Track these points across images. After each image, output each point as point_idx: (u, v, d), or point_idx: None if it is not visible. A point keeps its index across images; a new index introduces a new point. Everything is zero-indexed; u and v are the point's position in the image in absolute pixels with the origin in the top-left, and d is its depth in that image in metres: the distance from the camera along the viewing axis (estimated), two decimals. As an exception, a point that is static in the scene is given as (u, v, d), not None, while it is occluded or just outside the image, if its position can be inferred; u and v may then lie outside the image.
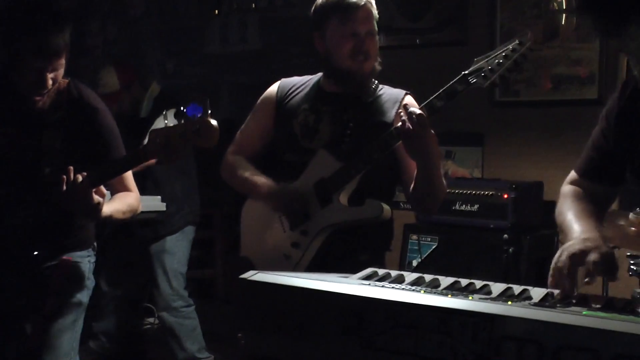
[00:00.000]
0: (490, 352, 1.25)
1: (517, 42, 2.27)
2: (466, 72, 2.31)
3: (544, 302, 1.47)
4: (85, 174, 2.30)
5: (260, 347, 1.48)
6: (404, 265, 4.13)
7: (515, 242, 3.67)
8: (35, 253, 2.53)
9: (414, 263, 4.09)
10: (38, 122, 2.49)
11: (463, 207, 3.97)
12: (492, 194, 3.86)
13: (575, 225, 1.78)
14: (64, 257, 2.57)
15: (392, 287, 1.49)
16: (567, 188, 1.97)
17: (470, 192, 3.95)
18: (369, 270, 1.73)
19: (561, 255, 1.61)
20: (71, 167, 2.30)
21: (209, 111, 2.26)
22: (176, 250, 4.19)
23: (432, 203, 2.57)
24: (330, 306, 1.39)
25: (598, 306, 1.46)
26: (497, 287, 1.60)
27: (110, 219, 2.47)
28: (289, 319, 1.43)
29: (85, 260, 2.65)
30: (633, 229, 3.01)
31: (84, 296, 2.63)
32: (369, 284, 1.53)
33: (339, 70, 2.56)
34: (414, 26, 4.64)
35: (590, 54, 4.05)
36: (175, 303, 4.14)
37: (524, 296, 1.55)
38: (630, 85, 1.79)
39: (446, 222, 3.98)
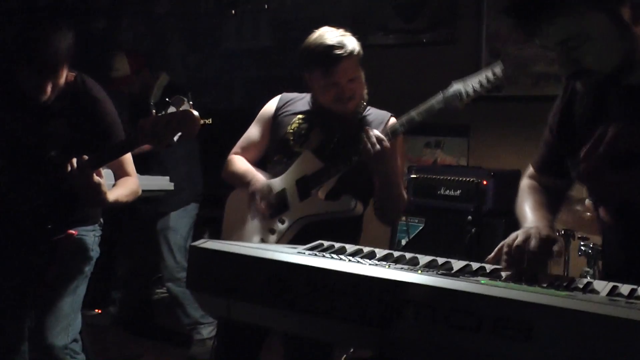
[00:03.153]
0: (392, 314, 1.28)
1: (492, 73, 2.33)
2: (445, 94, 2.36)
3: (458, 273, 1.50)
4: (85, 157, 2.34)
5: (205, 306, 1.53)
6: (394, 244, 4.17)
7: (487, 223, 3.67)
8: (49, 227, 2.60)
9: (403, 242, 4.13)
10: (45, 110, 2.52)
11: (447, 192, 3.99)
12: (473, 181, 3.88)
13: (528, 216, 1.79)
14: (69, 230, 2.63)
15: (322, 256, 1.52)
16: (524, 182, 1.98)
17: (453, 179, 3.98)
18: (316, 242, 1.76)
19: (508, 239, 1.63)
20: (74, 157, 2.34)
21: (191, 103, 2.29)
22: (179, 226, 4.24)
23: (391, 214, 2.63)
24: (261, 271, 1.43)
25: (543, 283, 1.47)
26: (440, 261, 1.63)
27: (116, 203, 2.50)
28: (229, 281, 1.48)
29: (91, 234, 2.70)
30: (588, 214, 3.03)
31: (86, 265, 2.68)
32: (304, 253, 1.56)
33: (324, 109, 2.57)
34: (408, 26, 4.64)
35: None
36: (179, 274, 4.17)
37: (446, 267, 1.58)
38: (570, 85, 1.79)
39: (432, 205, 4.03)
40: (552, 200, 1.89)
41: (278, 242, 2.54)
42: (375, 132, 2.35)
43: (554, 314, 1.15)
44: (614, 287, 1.40)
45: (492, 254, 1.64)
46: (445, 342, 1.23)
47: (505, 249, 1.59)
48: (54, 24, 2.37)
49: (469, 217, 3.53)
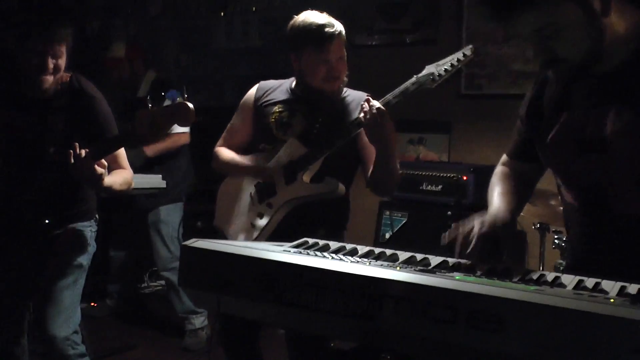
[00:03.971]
0: (373, 308, 1.32)
1: (462, 54, 2.39)
2: (418, 75, 2.43)
3: (434, 269, 1.54)
4: (87, 149, 2.39)
5: (197, 302, 1.57)
6: (378, 237, 4.21)
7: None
8: (47, 221, 2.63)
9: (387, 235, 4.16)
10: (43, 108, 2.56)
11: (429, 187, 4.04)
12: (453, 176, 3.92)
13: (494, 202, 1.82)
14: (69, 226, 2.67)
15: (307, 254, 1.56)
16: (497, 169, 2.00)
17: (435, 174, 4.02)
18: (301, 240, 1.79)
19: (466, 221, 1.67)
20: (76, 144, 2.38)
21: (186, 95, 2.35)
22: (170, 219, 4.29)
23: (388, 186, 2.64)
24: (249, 269, 1.46)
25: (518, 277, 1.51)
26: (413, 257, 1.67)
27: (110, 189, 2.55)
28: (220, 278, 1.51)
29: (88, 229, 2.74)
30: (562, 208, 3.05)
31: (84, 260, 2.71)
32: (289, 251, 1.60)
33: (311, 88, 2.62)
34: (392, 27, 4.68)
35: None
36: (173, 264, 4.22)
37: (424, 263, 1.62)
38: (541, 76, 1.82)
39: (414, 199, 4.07)
40: (521, 187, 1.91)
41: (267, 226, 2.59)
42: (375, 103, 2.39)
43: (523, 307, 1.19)
44: (580, 281, 1.44)
45: (448, 231, 1.69)
46: (423, 333, 1.27)
47: (460, 235, 1.64)
48: (54, 28, 2.43)
49: (449, 213, 3.57)
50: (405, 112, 4.42)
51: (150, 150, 4.00)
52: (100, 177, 2.40)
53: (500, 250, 1.65)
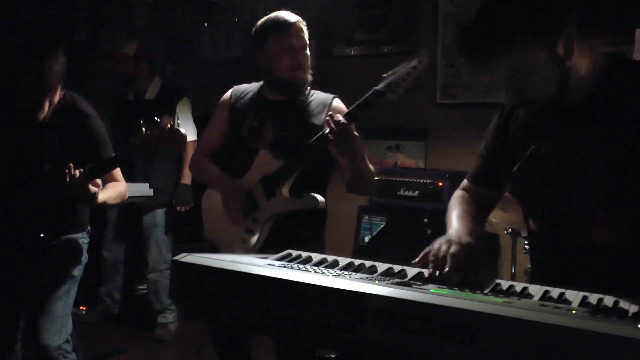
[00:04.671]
0: (354, 320, 1.37)
1: (417, 61, 2.33)
2: (378, 88, 2.37)
3: (410, 281, 1.59)
4: (82, 170, 2.42)
5: (188, 313, 1.62)
6: (358, 240, 4.26)
7: (443, 221, 3.76)
8: (42, 235, 2.65)
9: (366, 239, 4.21)
10: (39, 126, 2.58)
11: (406, 193, 4.08)
12: (430, 182, 3.98)
13: (453, 224, 1.88)
14: (63, 238, 2.70)
15: (291, 268, 1.61)
16: (457, 193, 2.07)
17: (412, 180, 4.07)
18: (285, 252, 1.84)
19: (433, 245, 1.73)
20: (71, 164, 2.42)
21: (179, 122, 2.41)
22: (163, 223, 4.41)
23: (364, 187, 2.67)
24: (238, 282, 1.52)
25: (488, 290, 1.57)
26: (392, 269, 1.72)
27: (104, 204, 2.60)
28: (209, 292, 1.56)
29: (80, 240, 2.77)
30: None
31: (77, 271, 2.74)
32: (274, 265, 1.64)
33: (279, 80, 2.66)
34: (371, 38, 4.74)
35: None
36: (161, 266, 4.40)
37: (401, 274, 1.68)
38: (505, 107, 1.90)
39: (393, 204, 4.11)
40: (479, 210, 1.98)
41: (257, 241, 2.63)
42: (337, 116, 2.38)
43: (492, 320, 1.25)
44: (546, 292, 1.51)
45: (418, 258, 1.73)
46: (401, 344, 1.33)
47: (431, 256, 1.69)
48: (51, 50, 2.44)
49: (425, 220, 3.63)
50: (383, 120, 4.50)
51: None
52: (94, 196, 2.44)
53: (474, 265, 1.70)
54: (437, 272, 1.65)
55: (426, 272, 1.69)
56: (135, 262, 4.74)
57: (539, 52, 1.60)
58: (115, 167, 2.63)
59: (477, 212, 1.95)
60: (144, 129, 2.38)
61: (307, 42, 2.67)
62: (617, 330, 1.16)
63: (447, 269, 1.63)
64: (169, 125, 2.35)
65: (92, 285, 4.66)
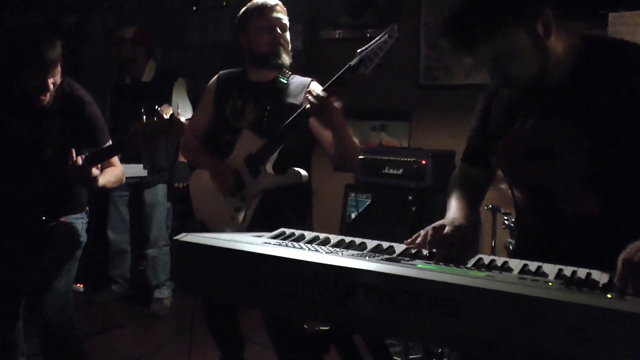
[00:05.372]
0: (347, 295, 1.42)
1: (387, 36, 2.41)
2: (351, 63, 2.44)
3: (398, 257, 1.64)
4: (84, 156, 2.46)
5: (189, 290, 1.67)
6: (344, 217, 4.32)
7: (426, 198, 3.84)
8: (43, 218, 2.68)
9: (352, 216, 4.27)
10: (39, 112, 2.60)
11: (391, 171, 4.13)
12: (413, 161, 4.03)
13: (451, 208, 1.94)
14: (62, 219, 2.73)
15: (286, 246, 1.66)
16: (456, 173, 2.12)
17: (396, 159, 4.12)
18: (279, 231, 1.88)
19: (431, 227, 1.78)
20: (73, 150, 2.46)
21: (179, 111, 2.44)
22: (164, 201, 4.47)
23: (349, 161, 2.68)
24: (234, 260, 1.56)
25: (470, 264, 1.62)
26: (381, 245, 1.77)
27: (104, 188, 2.63)
28: (208, 269, 1.61)
29: (79, 221, 2.79)
30: (510, 191, 3.20)
31: (77, 250, 2.78)
32: (269, 243, 1.69)
33: (259, 56, 2.71)
34: (355, 22, 4.75)
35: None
36: (160, 242, 4.46)
37: (389, 251, 1.73)
38: (490, 89, 1.94)
39: (378, 183, 4.16)
40: (474, 193, 2.04)
41: (245, 217, 2.69)
42: (316, 90, 2.45)
43: (475, 293, 1.31)
44: (525, 265, 1.57)
45: (412, 237, 1.79)
46: (391, 317, 1.37)
47: (429, 235, 1.75)
48: (51, 37, 2.46)
49: (410, 197, 3.69)
50: (368, 101, 4.54)
51: None
52: (95, 180, 2.47)
53: (465, 246, 1.75)
54: (429, 250, 1.70)
55: (414, 250, 1.74)
56: (139, 240, 4.74)
57: (520, 32, 1.64)
58: (116, 154, 2.66)
59: (471, 195, 2.01)
60: (144, 117, 2.41)
61: (287, 24, 2.74)
62: (589, 300, 1.22)
63: (442, 248, 1.69)
64: (168, 114, 2.37)
65: (106, 267, 4.72)
